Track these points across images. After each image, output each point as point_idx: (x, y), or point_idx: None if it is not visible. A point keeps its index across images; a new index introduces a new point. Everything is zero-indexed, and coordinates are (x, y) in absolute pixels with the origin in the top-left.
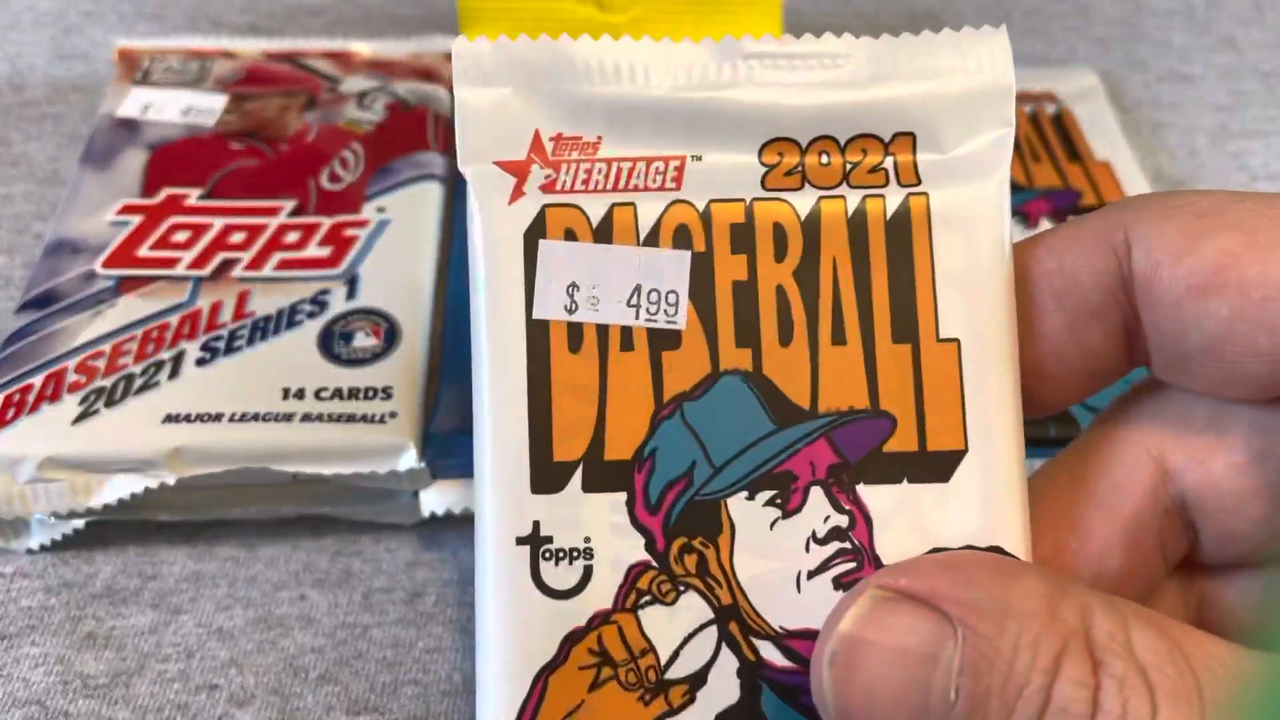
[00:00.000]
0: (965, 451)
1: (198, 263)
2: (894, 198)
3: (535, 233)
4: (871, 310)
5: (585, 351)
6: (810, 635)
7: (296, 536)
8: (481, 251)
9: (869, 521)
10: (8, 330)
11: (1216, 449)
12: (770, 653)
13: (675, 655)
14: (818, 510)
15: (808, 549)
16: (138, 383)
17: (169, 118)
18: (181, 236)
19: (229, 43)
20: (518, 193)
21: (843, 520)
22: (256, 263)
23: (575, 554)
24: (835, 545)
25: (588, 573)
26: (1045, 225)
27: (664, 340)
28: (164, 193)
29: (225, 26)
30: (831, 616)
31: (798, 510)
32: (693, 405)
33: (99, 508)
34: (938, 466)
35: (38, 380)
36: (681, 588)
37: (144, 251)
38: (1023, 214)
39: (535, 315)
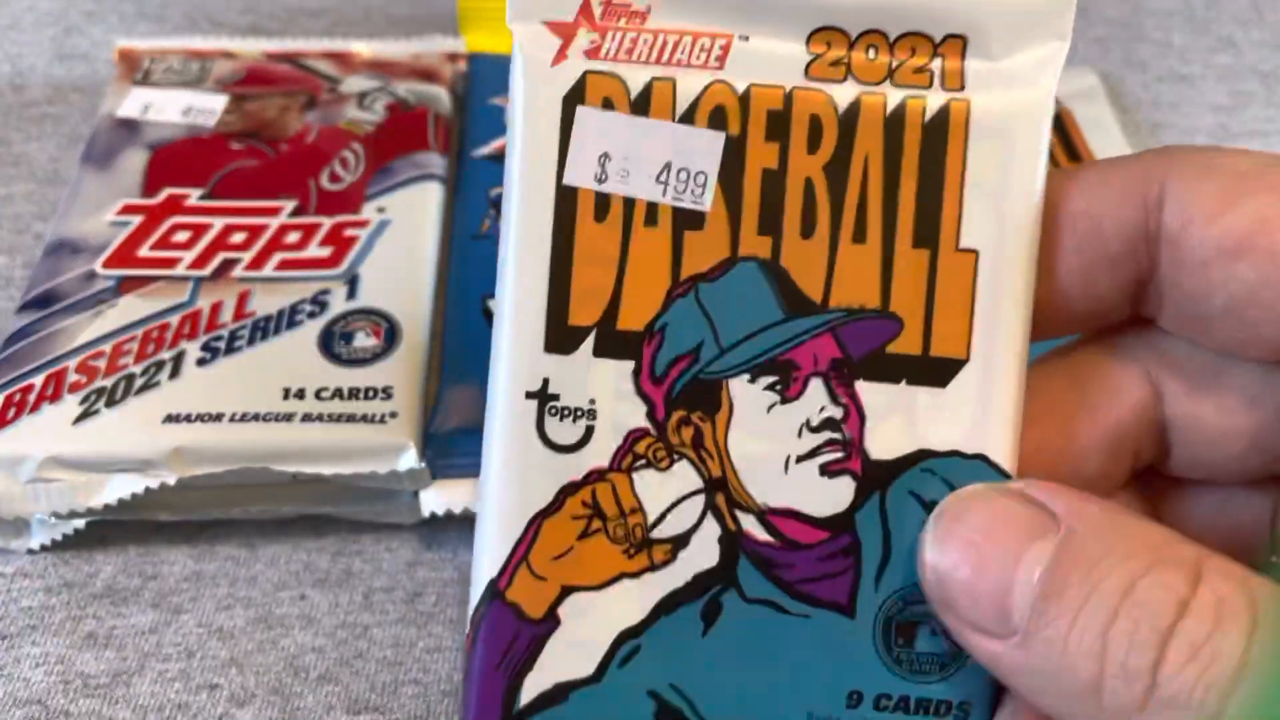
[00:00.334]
0: (966, 361)
1: (198, 263)
2: (935, 100)
3: (574, 98)
4: (896, 212)
5: (610, 222)
6: (790, 515)
7: (297, 536)
8: (521, 111)
9: (862, 416)
10: (8, 330)
11: (1212, 386)
12: (752, 526)
13: (662, 517)
14: (815, 400)
15: (800, 435)
16: (138, 383)
17: (169, 118)
18: (182, 237)
19: (229, 43)
20: (561, 55)
21: (837, 412)
22: (257, 263)
23: (579, 413)
24: (827, 435)
25: (589, 432)
26: None
27: (688, 220)
28: (164, 193)
29: (225, 27)
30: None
31: (796, 398)
32: (708, 286)
33: (99, 507)
34: (937, 372)
35: (38, 380)
36: (676, 456)
37: (144, 251)
38: None
39: (565, 181)
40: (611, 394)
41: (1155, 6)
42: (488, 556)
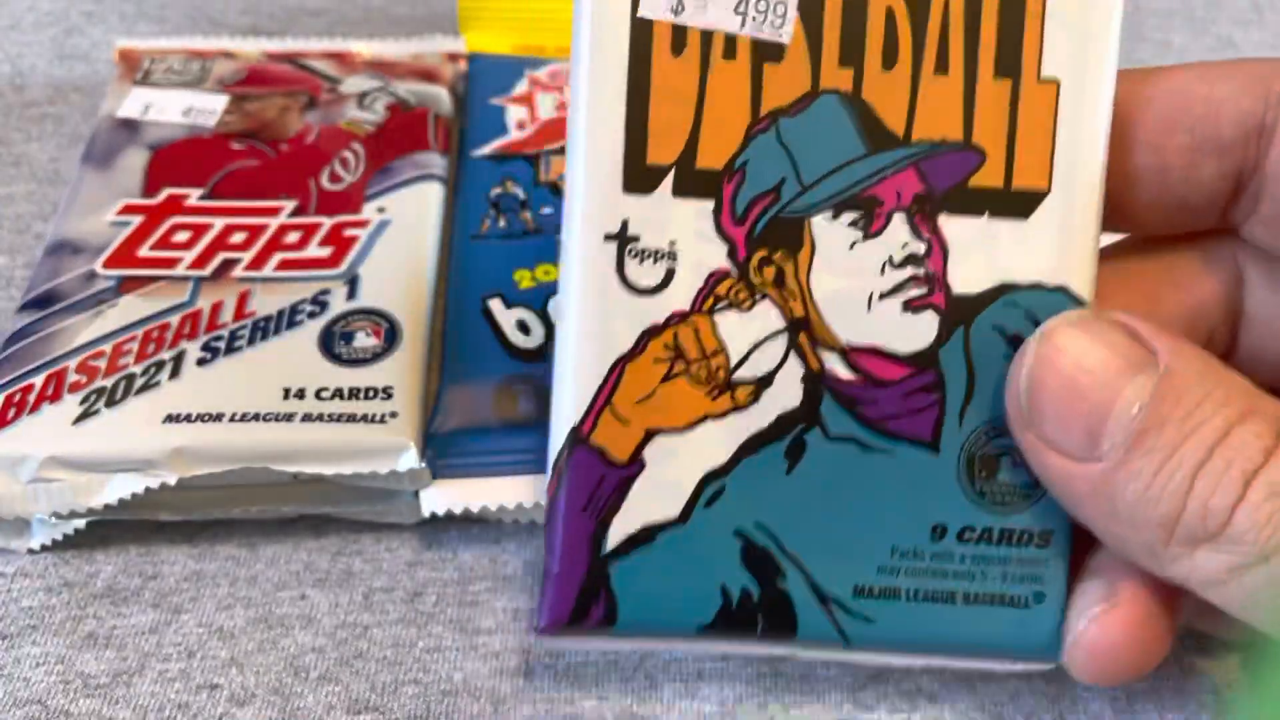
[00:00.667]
0: (1048, 192)
1: (198, 263)
2: None
3: None
4: (978, 42)
5: (687, 56)
6: (875, 352)
7: (297, 536)
8: None
9: (945, 251)
10: (8, 330)
11: None
12: (835, 364)
13: (745, 358)
14: (897, 236)
15: (883, 271)
16: (138, 382)
17: (170, 118)
18: (182, 237)
19: (229, 43)
20: None
21: (920, 247)
22: (257, 263)
23: (660, 255)
24: (910, 270)
25: (670, 274)
26: None
27: (767, 52)
28: (165, 193)
29: (226, 27)
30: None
31: (878, 234)
32: (789, 121)
33: (100, 507)
34: (1019, 204)
35: (38, 380)
36: (758, 296)
37: (145, 251)
38: None
39: (641, 13)
40: (692, 234)
41: (1155, 6)
42: (569, 402)
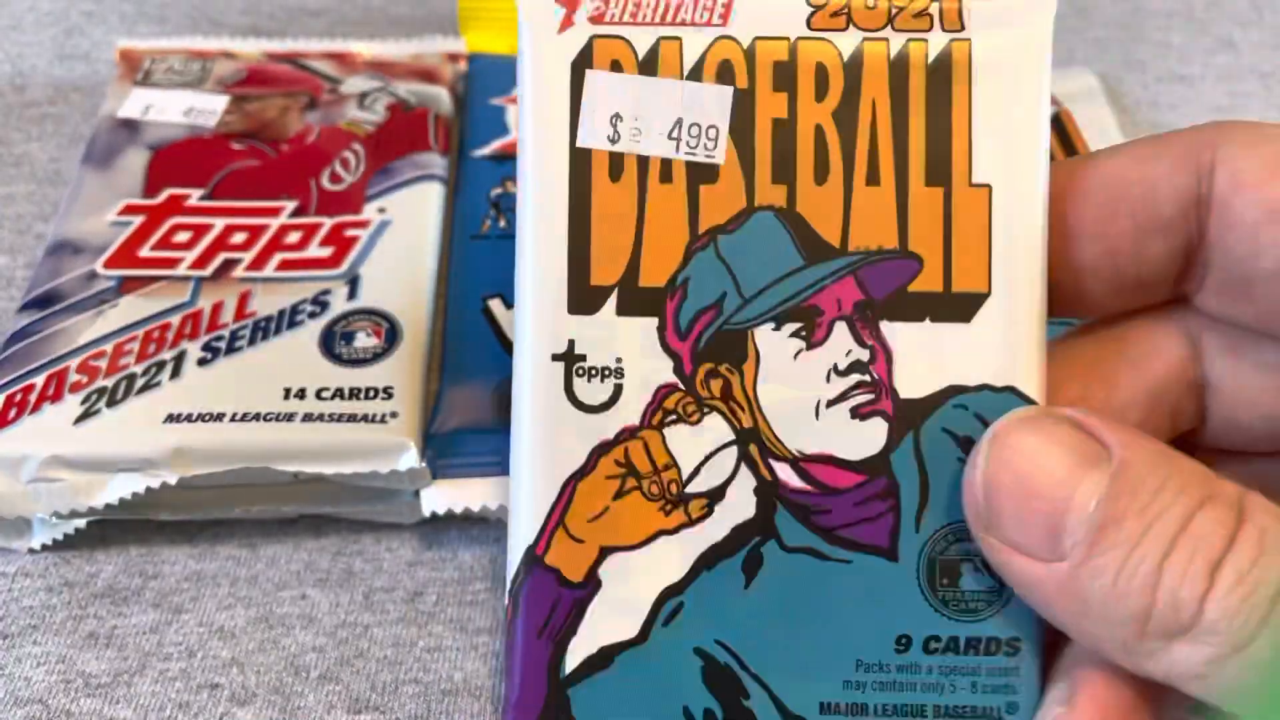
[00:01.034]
0: (989, 294)
1: (199, 263)
2: (937, 42)
3: (582, 63)
4: (907, 153)
5: (625, 181)
6: (826, 460)
7: (298, 536)
8: (530, 79)
9: (889, 357)
10: (9, 330)
11: (1250, 344)
12: (786, 474)
13: (696, 471)
14: (841, 344)
15: (829, 379)
16: (139, 382)
17: (170, 118)
18: (183, 237)
19: (230, 43)
20: (567, 22)
21: (864, 354)
22: (258, 263)
23: (607, 372)
24: (855, 377)
25: (618, 390)
26: None
27: (702, 174)
28: (165, 193)
29: (226, 27)
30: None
31: (822, 343)
32: (727, 238)
33: (100, 507)
34: (961, 307)
35: (39, 380)
36: (706, 409)
37: (145, 252)
38: None
39: (579, 144)
40: (638, 351)
41: (1155, 6)
42: (523, 522)
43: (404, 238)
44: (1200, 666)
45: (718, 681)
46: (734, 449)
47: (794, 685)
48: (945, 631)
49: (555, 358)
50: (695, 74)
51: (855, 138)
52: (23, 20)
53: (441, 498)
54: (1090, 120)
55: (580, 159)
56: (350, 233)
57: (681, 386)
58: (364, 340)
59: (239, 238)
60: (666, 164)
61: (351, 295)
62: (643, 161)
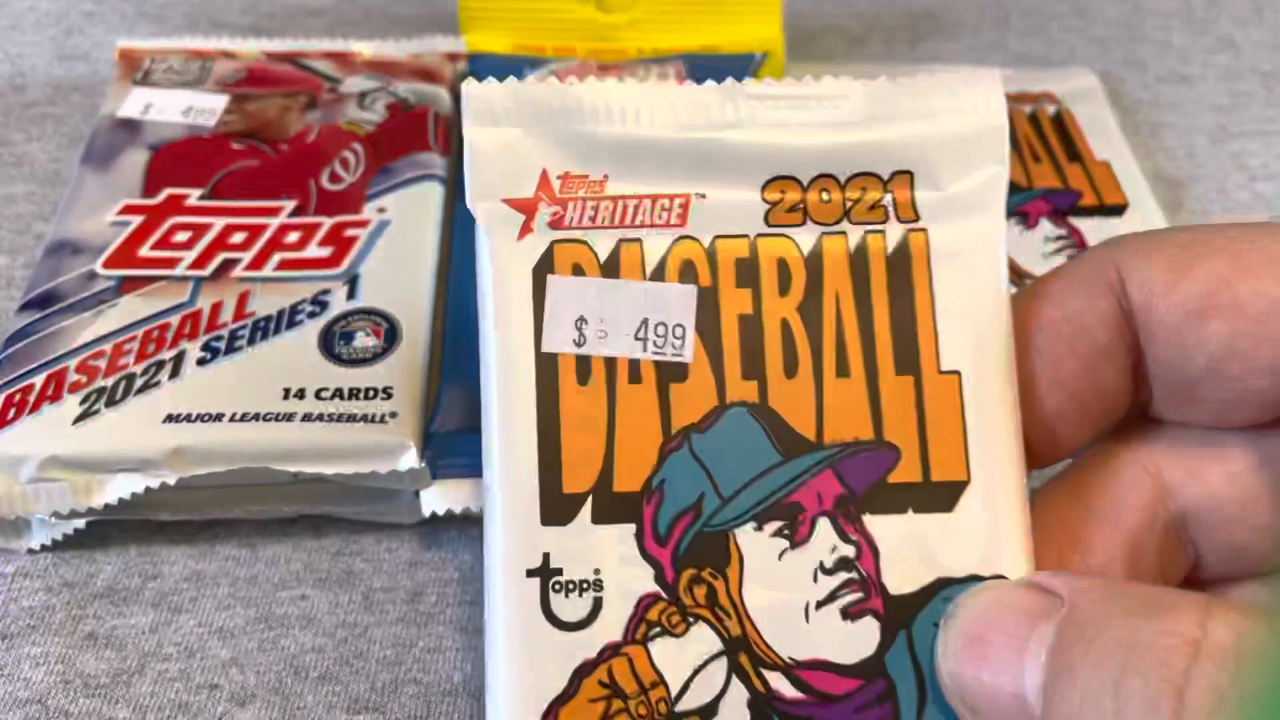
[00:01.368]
0: (968, 482)
1: (198, 263)
2: (894, 233)
3: (544, 268)
4: (874, 343)
5: (593, 384)
6: (819, 665)
7: (297, 536)
8: (491, 287)
9: (875, 551)
10: (9, 330)
11: (1212, 461)
12: (780, 684)
13: (686, 687)
14: (825, 541)
15: (815, 579)
16: (139, 382)
17: (170, 118)
18: (182, 236)
19: (230, 43)
20: (526, 229)
21: (850, 550)
22: (257, 263)
23: (585, 586)
24: (843, 575)
25: (598, 604)
26: (1045, 225)
27: (671, 373)
28: (165, 193)
29: (226, 27)
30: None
31: (805, 541)
32: (700, 437)
33: (100, 507)
34: (941, 497)
35: (39, 380)
36: (691, 619)
37: (145, 251)
38: (1022, 214)
39: (544, 349)
40: (616, 561)
41: (1155, 6)
42: None
43: (404, 237)
44: None
45: None
46: (724, 660)
47: None
48: None
49: (530, 573)
50: (658, 274)
51: (822, 330)
52: (22, 20)
53: (441, 498)
54: (1090, 120)
55: (546, 364)
56: (350, 232)
57: (664, 595)
58: (363, 340)
59: (238, 237)
60: (635, 364)
61: (351, 295)
62: (610, 363)
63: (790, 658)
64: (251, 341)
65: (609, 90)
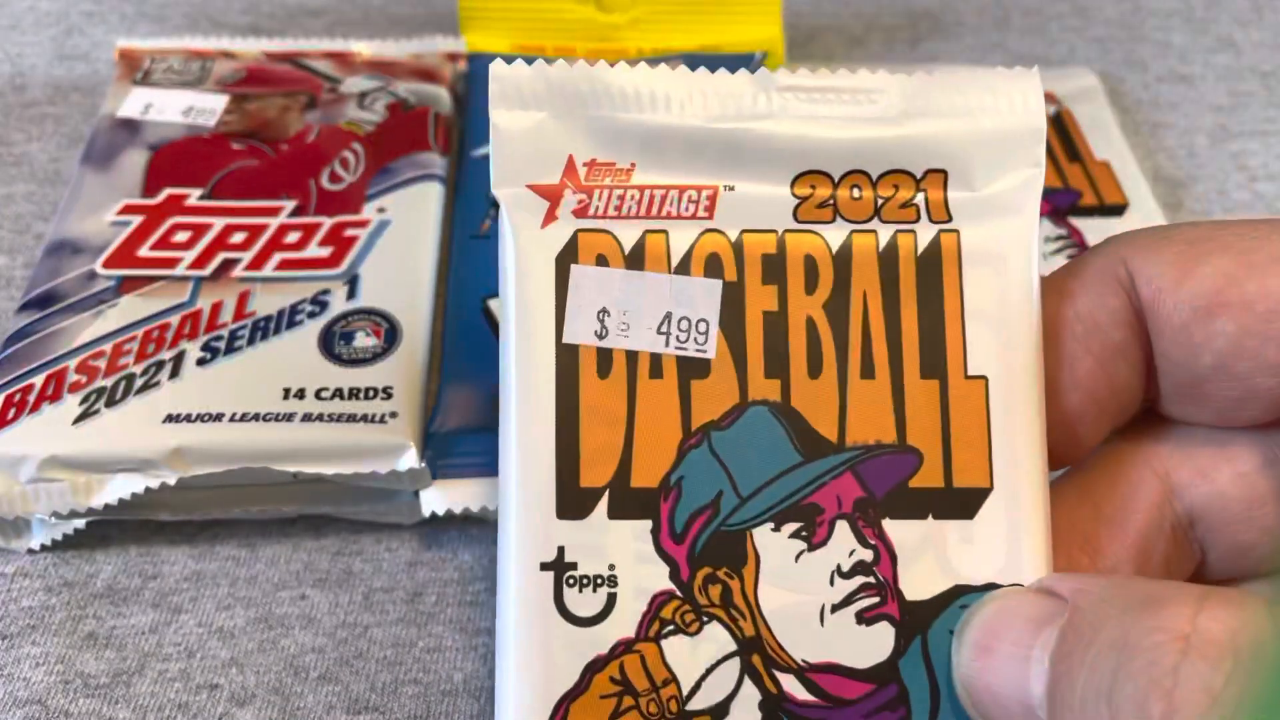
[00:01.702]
0: (990, 490)
1: (198, 263)
2: (925, 233)
3: (567, 257)
4: (901, 345)
5: (614, 377)
6: (832, 669)
7: (297, 536)
8: (513, 274)
9: (893, 557)
10: (9, 330)
11: (1220, 461)
12: (792, 686)
13: (697, 686)
14: (843, 544)
15: (832, 582)
16: (138, 382)
17: (170, 118)
18: (182, 236)
19: (230, 43)
20: (550, 216)
21: (868, 555)
22: (257, 263)
23: (599, 581)
24: (859, 579)
25: (611, 600)
26: (1045, 225)
27: (693, 369)
28: (165, 193)
29: (226, 27)
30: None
31: (823, 543)
32: (721, 435)
33: (100, 507)
34: (963, 503)
35: (39, 380)
36: (705, 618)
37: (145, 251)
38: None
39: (565, 340)
40: (631, 557)
41: (1155, 6)
42: None
43: (404, 237)
44: None
45: None
46: (736, 660)
47: None
48: None
49: (544, 566)
50: (683, 267)
51: (848, 330)
52: (22, 20)
53: (441, 498)
54: (1091, 120)
55: (567, 355)
56: (350, 232)
57: (679, 594)
58: (363, 340)
59: (238, 237)
60: (656, 359)
61: (351, 295)
62: (632, 357)
63: (803, 660)
64: (251, 341)
65: (639, 75)
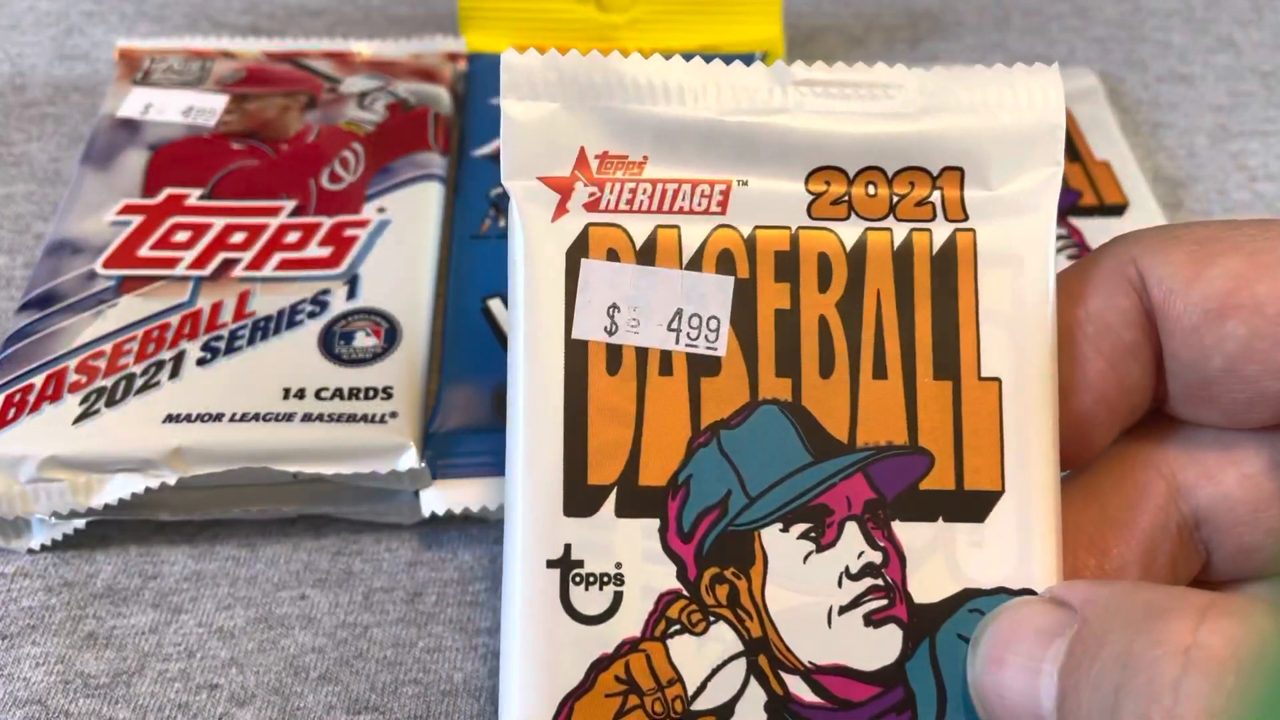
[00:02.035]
0: (1002, 493)
1: (198, 263)
2: (941, 232)
3: (578, 251)
4: (914, 345)
5: (624, 374)
6: (839, 671)
7: (297, 536)
8: (522, 268)
9: (902, 559)
10: (9, 330)
11: (1226, 463)
12: (799, 688)
13: (703, 686)
14: (852, 545)
15: (840, 584)
16: (138, 382)
17: (170, 118)
18: (182, 236)
19: (229, 43)
20: (561, 209)
21: (876, 557)
22: (257, 263)
23: (606, 579)
24: (868, 581)
25: (618, 599)
26: None
27: (703, 366)
28: (165, 193)
29: (226, 27)
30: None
31: (832, 545)
32: (730, 434)
33: (100, 507)
34: (974, 506)
35: (39, 380)
36: (712, 618)
37: (145, 251)
38: None
39: (574, 335)
40: (639, 556)
41: (1155, 6)
42: None
43: (404, 237)
44: None
45: None
46: (742, 661)
47: None
48: None
49: (550, 564)
50: (695, 263)
51: (860, 330)
52: (22, 20)
53: (441, 498)
54: (1090, 120)
55: (576, 351)
56: (350, 232)
57: (685, 593)
58: (363, 340)
59: (238, 237)
60: (666, 356)
61: (351, 295)
62: (641, 353)
63: (810, 662)
64: (251, 341)
65: (652, 67)
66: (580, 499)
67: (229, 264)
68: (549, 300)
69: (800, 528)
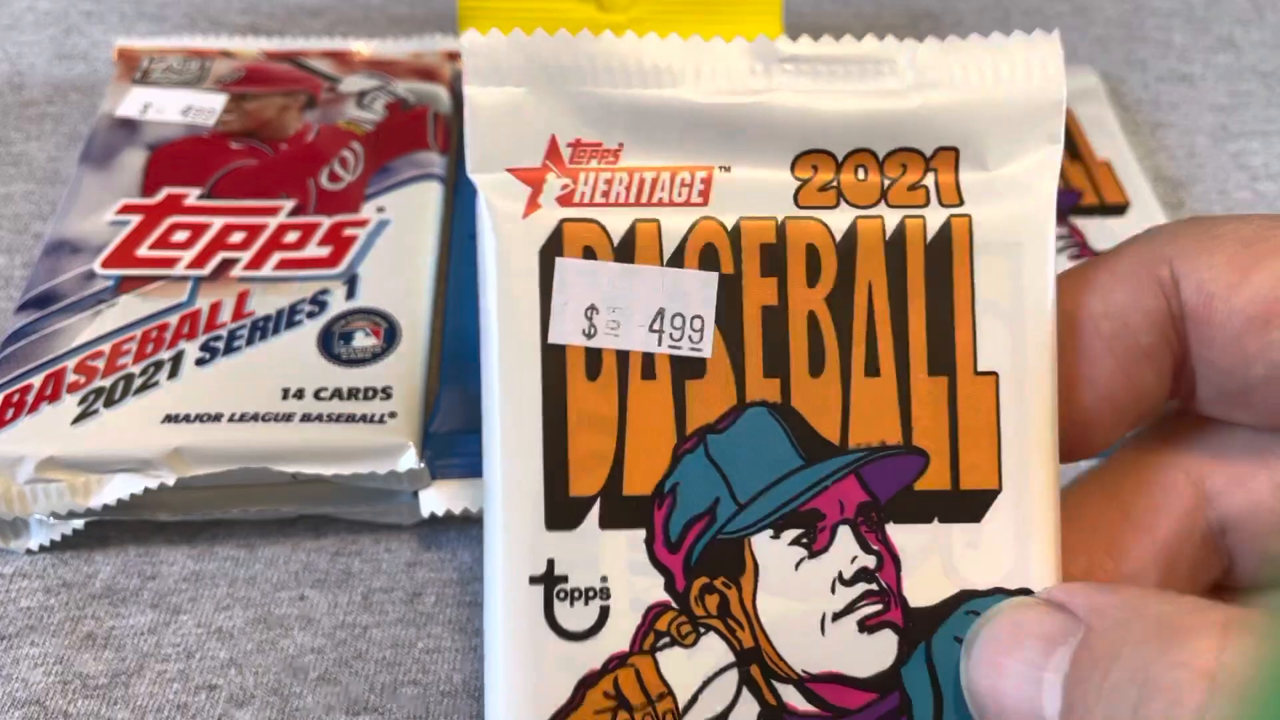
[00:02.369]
0: (999, 491)
1: (197, 262)
2: (935, 218)
3: (552, 249)
4: (908, 340)
5: (604, 379)
6: (834, 679)
7: (296, 536)
8: (494, 269)
9: (897, 562)
10: (7, 330)
11: (1258, 469)
12: (793, 697)
13: (694, 700)
14: (845, 550)
15: (833, 590)
16: (137, 383)
17: (169, 117)
18: (181, 236)
19: (229, 42)
20: (533, 204)
21: (870, 561)
22: (256, 262)
23: (591, 594)
24: (862, 587)
25: (604, 613)
26: None
27: (688, 368)
28: (163, 192)
29: (225, 26)
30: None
31: (824, 550)
32: (717, 438)
33: (98, 508)
34: (970, 506)
35: (37, 380)
36: (702, 629)
37: (143, 251)
38: None
39: (551, 339)
40: (625, 568)
41: (1155, 6)
42: None
43: (403, 237)
44: None
45: None
46: (734, 672)
47: None
48: None
49: (533, 580)
50: (676, 259)
51: (851, 325)
52: (22, 20)
53: (440, 498)
54: (1091, 119)
55: (553, 356)
56: (349, 232)
57: (674, 605)
58: (363, 340)
59: (237, 237)
60: (649, 358)
61: (350, 295)
62: (622, 357)
63: (803, 670)
64: (250, 341)
65: (626, 46)
66: (562, 511)
67: (228, 264)
68: (523, 304)
69: (791, 534)
